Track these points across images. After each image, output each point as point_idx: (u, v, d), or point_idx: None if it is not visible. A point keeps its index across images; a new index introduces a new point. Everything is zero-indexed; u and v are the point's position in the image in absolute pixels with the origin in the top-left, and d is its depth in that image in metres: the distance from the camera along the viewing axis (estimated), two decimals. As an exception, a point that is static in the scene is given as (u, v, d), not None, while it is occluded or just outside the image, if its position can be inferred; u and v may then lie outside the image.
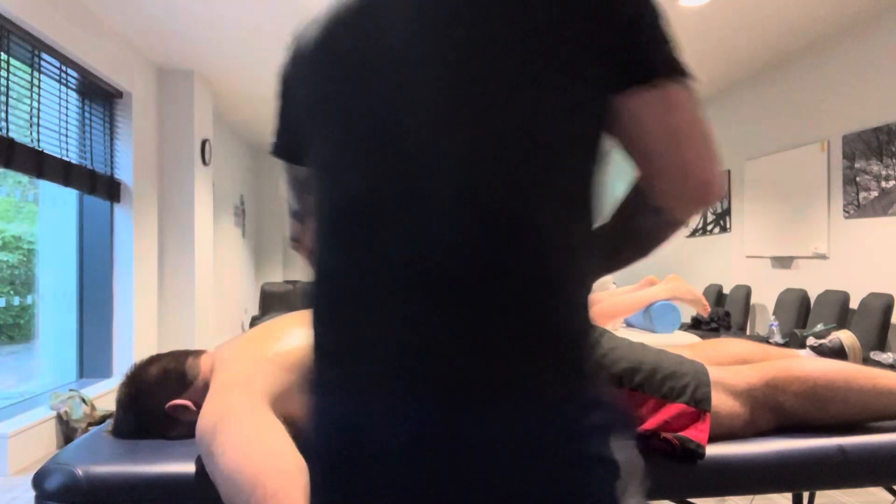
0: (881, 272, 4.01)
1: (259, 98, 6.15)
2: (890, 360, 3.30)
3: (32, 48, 3.51)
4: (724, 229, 6.03)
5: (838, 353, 1.78)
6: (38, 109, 3.58)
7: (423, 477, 0.57)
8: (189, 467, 1.06)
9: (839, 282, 4.39)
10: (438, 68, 0.60)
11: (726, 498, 2.13)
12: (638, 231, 0.73)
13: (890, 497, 2.62)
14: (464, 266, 0.58)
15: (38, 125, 3.57)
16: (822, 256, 4.55)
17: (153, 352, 4.89)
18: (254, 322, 7.10)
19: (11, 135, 3.28)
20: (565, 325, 0.60)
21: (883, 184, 3.97)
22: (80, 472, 1.04)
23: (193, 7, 3.96)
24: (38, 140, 3.56)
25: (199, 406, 1.17)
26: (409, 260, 0.59)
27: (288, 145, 0.86)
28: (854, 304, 4.12)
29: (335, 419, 0.62)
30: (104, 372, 4.47)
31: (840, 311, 4.13)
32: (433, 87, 0.61)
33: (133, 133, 4.59)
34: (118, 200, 4.52)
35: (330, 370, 0.64)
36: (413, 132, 0.61)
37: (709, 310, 2.29)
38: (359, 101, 0.65)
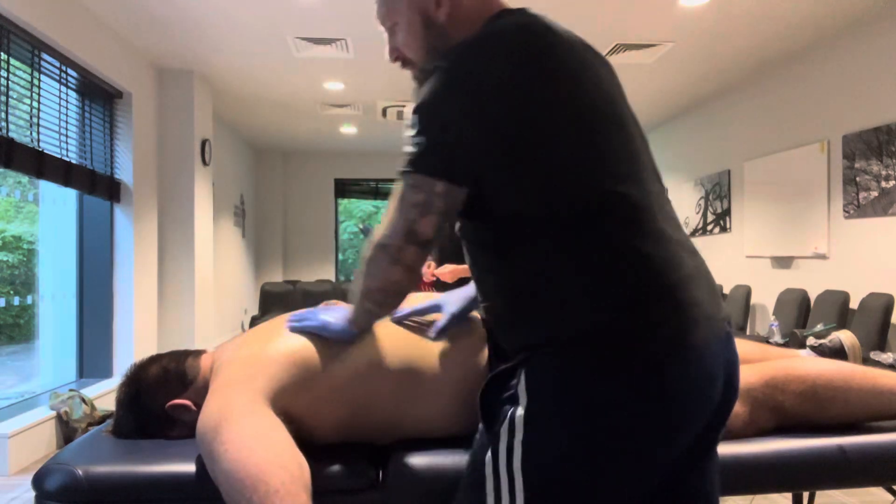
0: (881, 272, 4.01)
1: (259, 98, 6.15)
2: (890, 360, 3.30)
3: (32, 48, 3.51)
4: (724, 229, 6.03)
5: (838, 353, 1.78)
6: (38, 109, 3.58)
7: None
8: (189, 467, 1.06)
9: (839, 282, 4.39)
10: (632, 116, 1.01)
11: (726, 498, 2.13)
12: None
13: (890, 497, 2.62)
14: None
15: (38, 125, 3.57)
16: (822, 256, 4.55)
17: (153, 352, 4.88)
18: (254, 322, 7.09)
19: (11, 135, 3.28)
20: None
21: (883, 184, 3.97)
22: (80, 472, 1.04)
23: (193, 7, 3.96)
24: (38, 140, 3.56)
25: (198, 406, 1.17)
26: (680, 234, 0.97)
27: (472, 159, 0.88)
28: (854, 304, 4.12)
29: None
30: (104, 372, 4.47)
31: (840, 311, 4.13)
32: (634, 122, 0.99)
33: (133, 133, 4.59)
34: (118, 200, 4.52)
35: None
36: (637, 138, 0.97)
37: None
38: (618, 111, 0.95)
